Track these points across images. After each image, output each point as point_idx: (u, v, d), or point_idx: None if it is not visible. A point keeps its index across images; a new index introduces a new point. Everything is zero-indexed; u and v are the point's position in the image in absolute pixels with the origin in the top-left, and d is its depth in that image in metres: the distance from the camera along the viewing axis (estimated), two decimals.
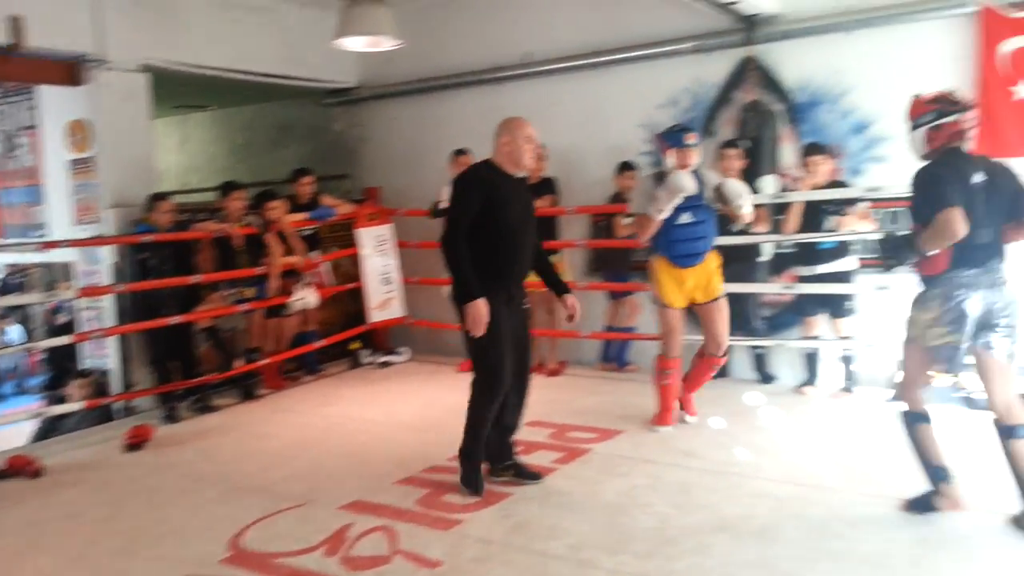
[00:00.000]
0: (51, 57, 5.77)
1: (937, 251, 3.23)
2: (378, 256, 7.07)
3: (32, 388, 10.99)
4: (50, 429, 5.94)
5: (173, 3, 6.38)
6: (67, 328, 8.59)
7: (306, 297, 6.31)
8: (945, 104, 3.33)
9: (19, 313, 12.34)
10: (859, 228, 5.18)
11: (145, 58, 6.17)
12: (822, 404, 5.24)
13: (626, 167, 6.10)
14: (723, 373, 5.87)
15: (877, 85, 5.49)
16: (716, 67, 6.10)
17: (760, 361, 5.85)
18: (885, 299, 5.26)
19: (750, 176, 5.68)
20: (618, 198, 6.08)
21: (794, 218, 5.40)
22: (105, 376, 6.19)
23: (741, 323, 5.72)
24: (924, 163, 3.37)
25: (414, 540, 3.44)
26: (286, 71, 7.30)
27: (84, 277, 6.25)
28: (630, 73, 6.44)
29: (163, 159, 10.05)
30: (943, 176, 3.21)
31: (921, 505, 3.45)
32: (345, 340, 7.08)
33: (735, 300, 5.64)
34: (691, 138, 4.50)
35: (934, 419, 3.44)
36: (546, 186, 6.27)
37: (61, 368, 7.42)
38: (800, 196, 5.36)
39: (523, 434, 4.76)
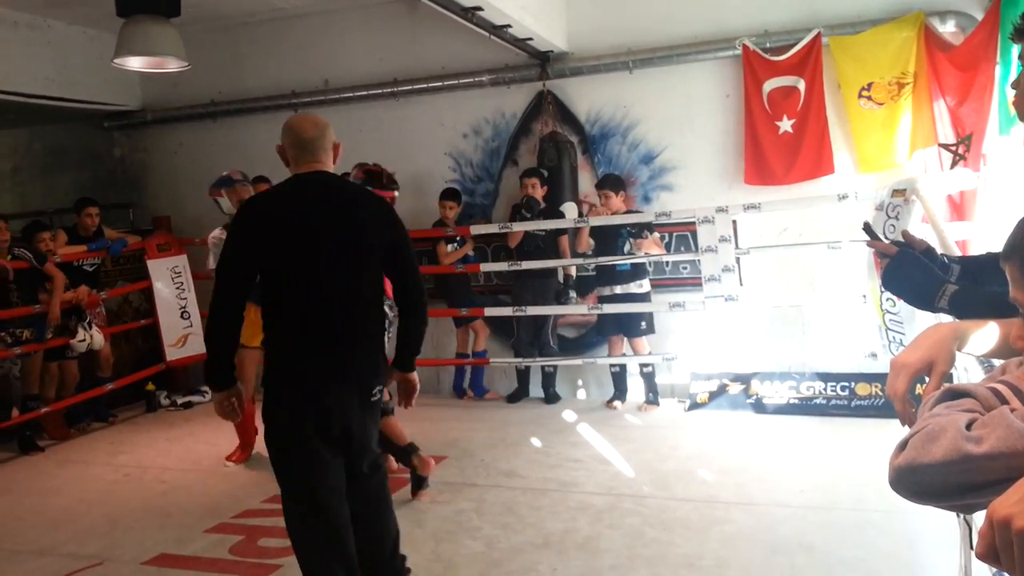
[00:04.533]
0: None
1: None
2: (173, 289, 6.62)
3: None
4: None
5: None
6: None
7: (91, 338, 5.76)
8: None
9: None
10: (652, 252, 5.55)
11: None
12: (631, 417, 5.54)
13: (446, 195, 6.11)
14: (520, 395, 6.11)
15: (660, 119, 5.96)
16: (515, 99, 6.34)
17: (547, 380, 6.05)
18: (679, 316, 5.68)
19: (553, 202, 5.95)
20: (440, 225, 6.11)
21: (584, 239, 5.72)
22: None
23: (539, 344, 5.98)
24: None
25: None
26: (56, 92, 6.63)
27: None
28: (432, 103, 6.53)
29: None
30: None
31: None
32: (139, 381, 6.53)
33: (533, 321, 5.90)
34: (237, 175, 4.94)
35: None
36: None
37: None
38: (599, 221, 5.66)
39: None
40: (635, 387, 5.81)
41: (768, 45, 5.57)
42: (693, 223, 5.42)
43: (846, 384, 5.25)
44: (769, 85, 5.59)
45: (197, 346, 6.68)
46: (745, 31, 5.60)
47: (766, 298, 5.52)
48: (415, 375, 2.90)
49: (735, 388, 5.44)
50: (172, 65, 5.04)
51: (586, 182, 6.15)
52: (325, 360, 2.57)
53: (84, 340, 5.72)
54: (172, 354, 6.56)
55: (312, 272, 2.58)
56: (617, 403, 5.76)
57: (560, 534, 3.60)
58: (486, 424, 5.52)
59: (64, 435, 5.81)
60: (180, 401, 6.65)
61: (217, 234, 4.96)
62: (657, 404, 5.67)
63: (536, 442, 5.03)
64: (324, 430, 2.57)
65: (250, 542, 3.72)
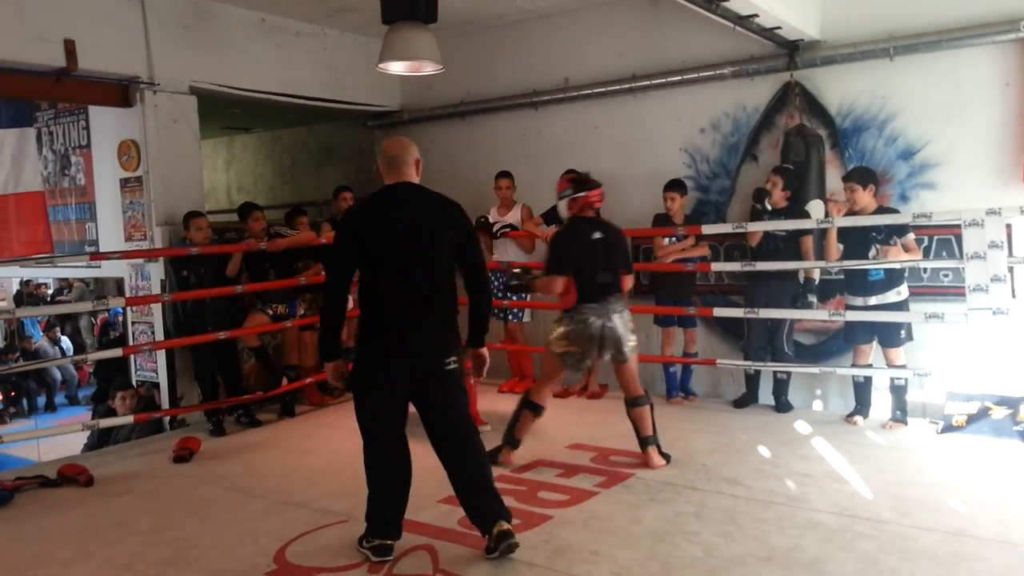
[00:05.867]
0: (103, 79, 5.95)
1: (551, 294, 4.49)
2: None
3: (83, 399, 11.30)
4: (103, 439, 6.09)
5: (220, 28, 6.54)
6: (118, 342, 8.82)
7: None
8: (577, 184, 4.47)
9: (69, 325, 12.71)
10: (906, 258, 5.07)
11: (193, 81, 6.33)
12: (872, 434, 5.11)
13: (669, 186, 5.97)
14: (748, 400, 5.87)
15: (923, 111, 5.44)
16: (758, 91, 6.08)
17: (780, 387, 5.72)
18: (936, 328, 5.15)
19: (797, 201, 5.63)
20: (662, 218, 6.03)
21: (832, 245, 5.34)
22: (154, 389, 6.32)
23: (772, 349, 5.69)
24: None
25: (456, 560, 3.42)
26: (330, 95, 7.43)
27: (134, 294, 6.41)
28: (670, 97, 6.45)
29: (210, 179, 10.28)
30: (561, 243, 4.49)
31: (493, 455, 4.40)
32: None
33: (766, 325, 5.63)
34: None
35: (543, 413, 4.62)
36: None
37: (109, 380, 7.59)
38: (845, 222, 5.27)
39: (565, 456, 4.76)
40: (879, 403, 5.35)
41: None
42: (958, 226, 4.89)
43: None
44: None
45: None
46: None
47: None
48: (485, 350, 3.54)
49: (1000, 413, 4.83)
50: (428, 68, 5.42)
51: (834, 179, 5.74)
52: (406, 322, 3.28)
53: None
54: None
55: (399, 260, 3.27)
56: (858, 418, 5.32)
57: (785, 550, 3.42)
58: (710, 427, 5.37)
59: (320, 401, 6.50)
60: None
61: None
62: (905, 423, 5.18)
63: (763, 451, 4.81)
64: (402, 371, 3.30)
65: None
